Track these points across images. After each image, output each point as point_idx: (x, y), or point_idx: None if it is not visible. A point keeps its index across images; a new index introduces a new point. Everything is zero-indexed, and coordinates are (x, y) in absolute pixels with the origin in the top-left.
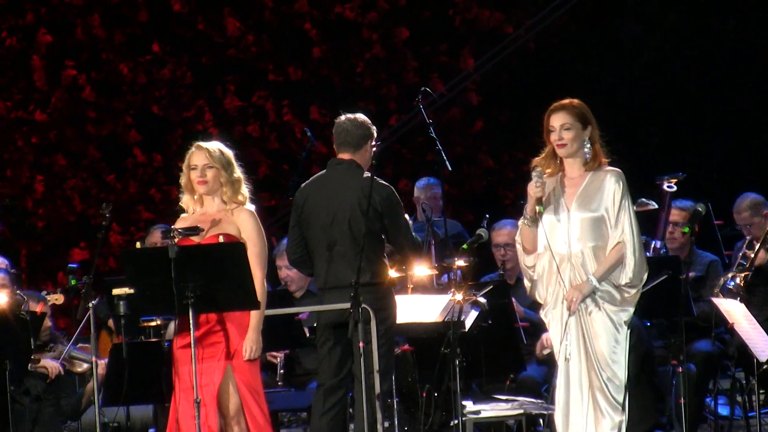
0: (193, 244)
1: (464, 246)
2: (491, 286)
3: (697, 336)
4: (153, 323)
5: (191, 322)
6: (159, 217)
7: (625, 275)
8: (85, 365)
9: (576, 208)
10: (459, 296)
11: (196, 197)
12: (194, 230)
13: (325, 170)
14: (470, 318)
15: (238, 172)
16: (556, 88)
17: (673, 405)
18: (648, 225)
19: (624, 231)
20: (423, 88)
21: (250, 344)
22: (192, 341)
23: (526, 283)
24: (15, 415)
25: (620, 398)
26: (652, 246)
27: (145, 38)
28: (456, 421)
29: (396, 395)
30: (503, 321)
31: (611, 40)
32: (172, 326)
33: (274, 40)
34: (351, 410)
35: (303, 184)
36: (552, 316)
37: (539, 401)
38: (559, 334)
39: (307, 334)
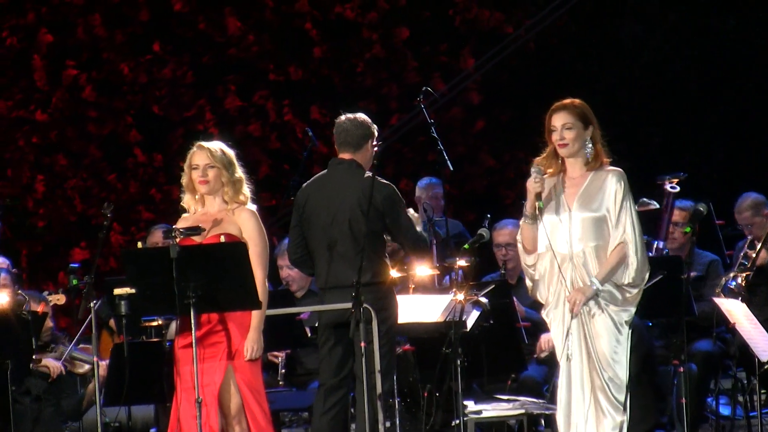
0: (195, 243)
1: (465, 246)
2: (492, 286)
3: (698, 336)
4: (154, 323)
5: (192, 322)
6: (160, 217)
7: (628, 275)
8: (86, 366)
9: (577, 208)
10: (460, 296)
11: (197, 197)
12: (195, 230)
13: (326, 170)
14: (471, 318)
15: (239, 172)
16: (556, 88)
17: (674, 405)
18: (649, 225)
19: (626, 231)
20: (424, 88)
21: (251, 344)
22: (193, 341)
23: (528, 282)
24: (15, 415)
25: (621, 398)
26: (655, 246)
27: (146, 38)
28: (457, 421)
29: (397, 395)
30: (504, 321)
31: (611, 40)
32: (173, 326)
33: (274, 40)
34: (352, 410)
35: (304, 184)
36: (553, 316)
37: (541, 401)
38: (560, 334)
39: (309, 334)
